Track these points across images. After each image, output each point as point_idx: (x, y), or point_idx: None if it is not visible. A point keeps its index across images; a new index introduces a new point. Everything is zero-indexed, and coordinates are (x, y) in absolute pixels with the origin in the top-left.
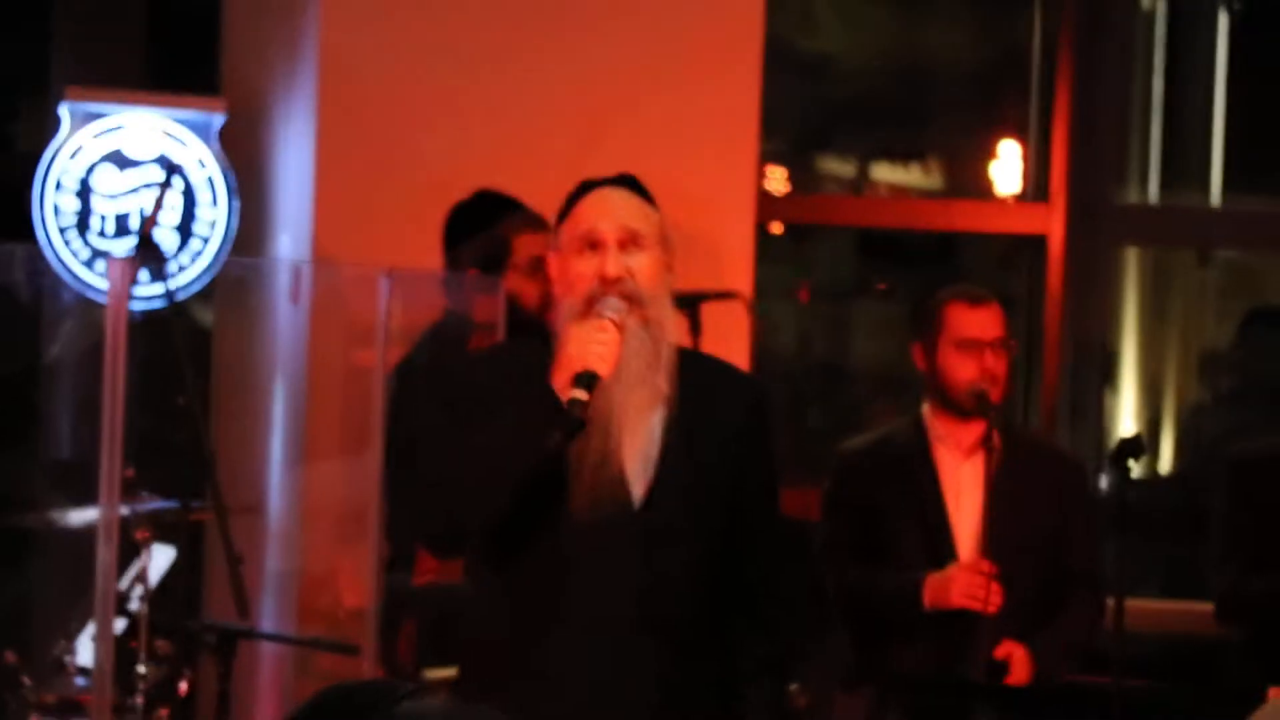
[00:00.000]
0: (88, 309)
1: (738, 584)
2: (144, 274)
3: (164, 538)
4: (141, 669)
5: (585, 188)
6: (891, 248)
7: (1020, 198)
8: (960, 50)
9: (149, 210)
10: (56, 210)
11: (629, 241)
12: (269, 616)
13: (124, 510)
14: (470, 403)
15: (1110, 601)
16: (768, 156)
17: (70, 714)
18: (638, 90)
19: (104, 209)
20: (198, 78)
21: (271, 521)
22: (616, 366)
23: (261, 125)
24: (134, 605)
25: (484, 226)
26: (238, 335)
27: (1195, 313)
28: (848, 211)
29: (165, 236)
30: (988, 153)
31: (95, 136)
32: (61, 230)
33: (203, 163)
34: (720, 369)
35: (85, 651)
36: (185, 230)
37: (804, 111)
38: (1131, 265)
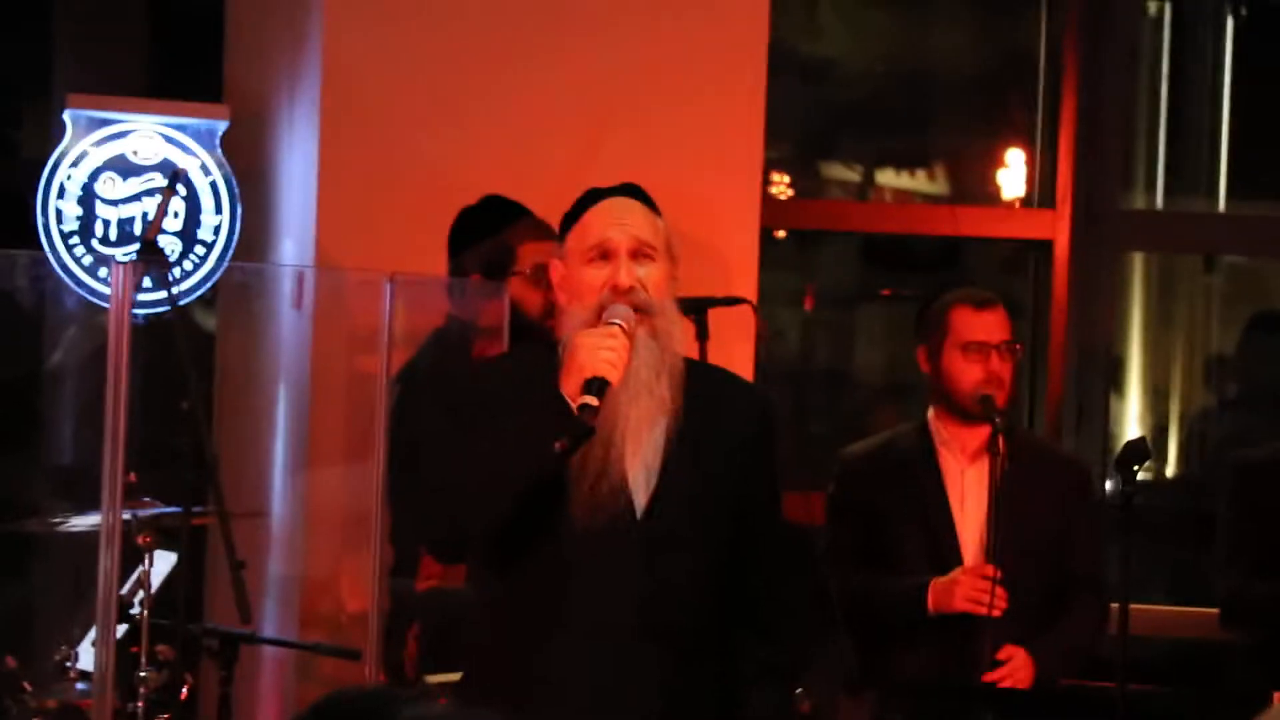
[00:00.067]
0: (91, 314)
1: (740, 592)
2: (147, 280)
3: (166, 543)
4: (143, 674)
5: (593, 196)
6: (896, 253)
7: (1025, 203)
8: (965, 55)
9: (152, 216)
10: (59, 216)
11: (640, 252)
12: (271, 621)
13: (126, 515)
14: (475, 408)
15: (1115, 606)
16: (772, 162)
17: (71, 719)
18: (641, 96)
19: (107, 215)
20: (200, 83)
21: (274, 526)
22: (625, 376)
23: (264, 131)
24: (135, 610)
25: (490, 232)
26: (241, 341)
27: (1201, 318)
28: (852, 217)
29: (168, 242)
30: (993, 158)
31: (98, 143)
32: (64, 236)
33: (206, 168)
34: (726, 380)
35: (86, 657)
36: (188, 236)
37: (808, 117)
38: (1137, 270)
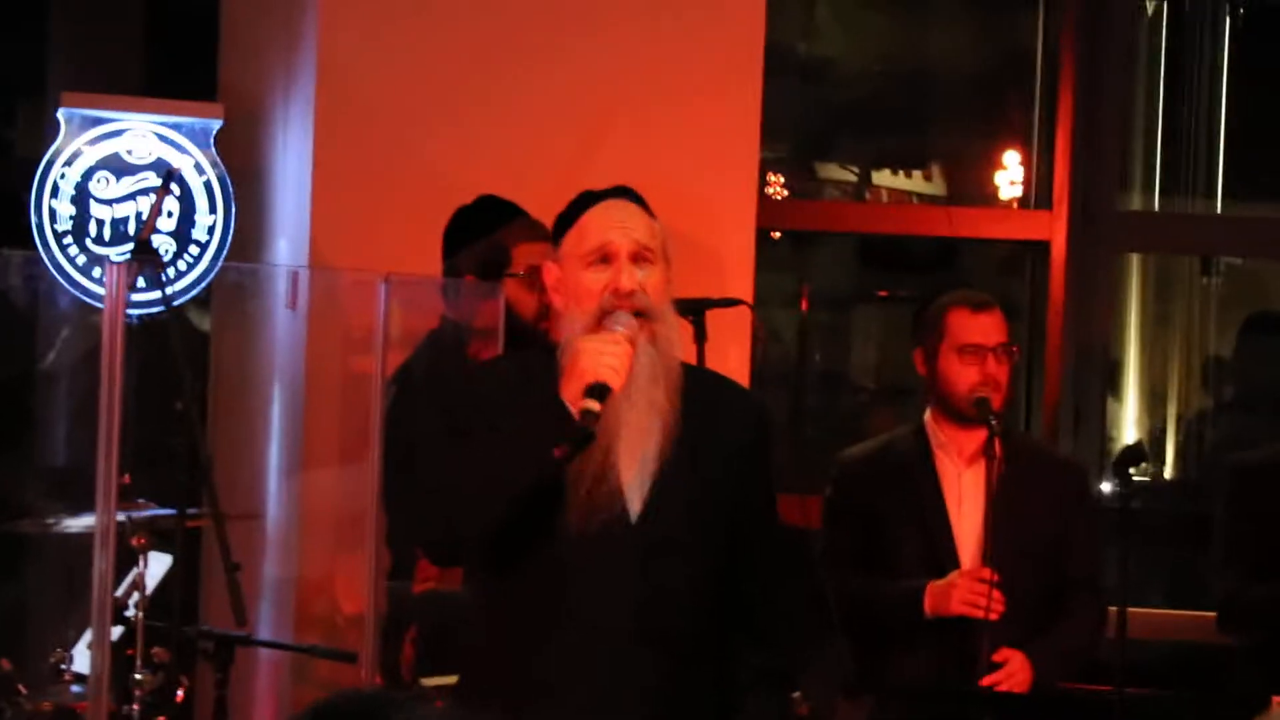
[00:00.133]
0: (85, 314)
1: (736, 596)
2: (141, 279)
3: (161, 544)
4: (138, 676)
5: (587, 199)
6: (893, 254)
7: (1022, 204)
8: (962, 55)
9: (146, 215)
10: (54, 215)
11: (640, 255)
12: (266, 624)
13: (121, 517)
14: (471, 411)
15: (1113, 609)
16: (768, 162)
17: None
18: (638, 96)
19: (101, 214)
20: (195, 83)
21: (269, 528)
22: (626, 382)
23: (259, 130)
24: (130, 612)
25: (484, 232)
26: (235, 341)
27: (1198, 319)
28: (849, 218)
29: (163, 242)
30: (990, 159)
31: (92, 142)
32: (59, 235)
33: (200, 168)
34: (721, 385)
35: (81, 659)
36: (183, 236)
37: (805, 117)
38: (1134, 272)
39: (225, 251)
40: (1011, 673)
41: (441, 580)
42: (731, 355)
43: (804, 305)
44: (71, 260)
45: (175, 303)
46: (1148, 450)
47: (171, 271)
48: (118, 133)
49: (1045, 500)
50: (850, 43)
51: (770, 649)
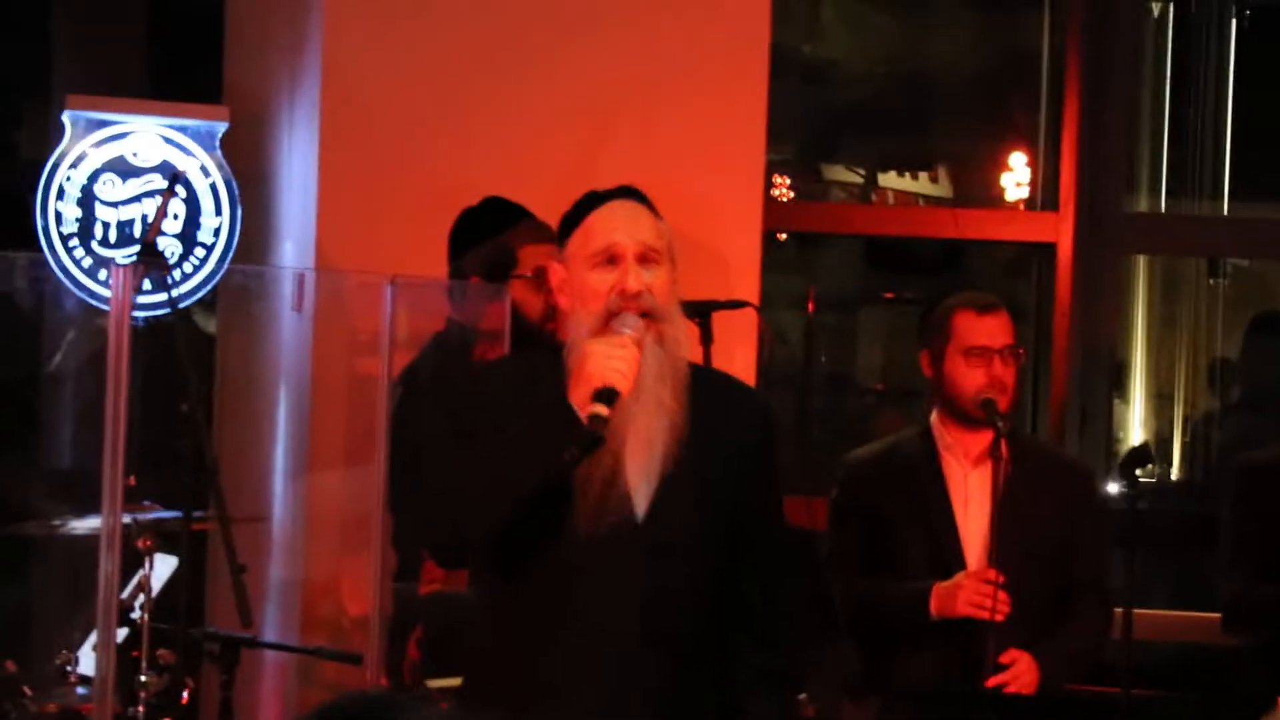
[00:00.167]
0: (90, 317)
1: (742, 597)
2: (147, 282)
3: (166, 547)
4: (143, 678)
5: (593, 200)
6: (899, 256)
7: (1028, 205)
8: (968, 57)
9: (152, 218)
10: (59, 218)
11: (646, 256)
12: (272, 626)
13: (126, 519)
14: (477, 412)
15: (1119, 610)
16: (774, 164)
17: None
18: (643, 98)
19: (107, 217)
20: (200, 85)
21: (275, 530)
22: (635, 384)
23: (264, 133)
24: (136, 614)
25: (490, 234)
26: (241, 343)
27: (1204, 321)
28: (854, 220)
29: (168, 244)
30: (996, 160)
31: (98, 144)
32: (64, 238)
33: (206, 170)
34: (728, 385)
35: (87, 661)
36: (188, 238)
37: (810, 119)
38: (1140, 273)
39: (231, 254)
40: (1019, 674)
41: (447, 582)
42: (737, 357)
43: (810, 307)
44: (77, 263)
45: (181, 305)
46: (1154, 452)
47: (177, 274)
48: (123, 135)
49: (1051, 502)
50: (856, 44)
51: (774, 650)
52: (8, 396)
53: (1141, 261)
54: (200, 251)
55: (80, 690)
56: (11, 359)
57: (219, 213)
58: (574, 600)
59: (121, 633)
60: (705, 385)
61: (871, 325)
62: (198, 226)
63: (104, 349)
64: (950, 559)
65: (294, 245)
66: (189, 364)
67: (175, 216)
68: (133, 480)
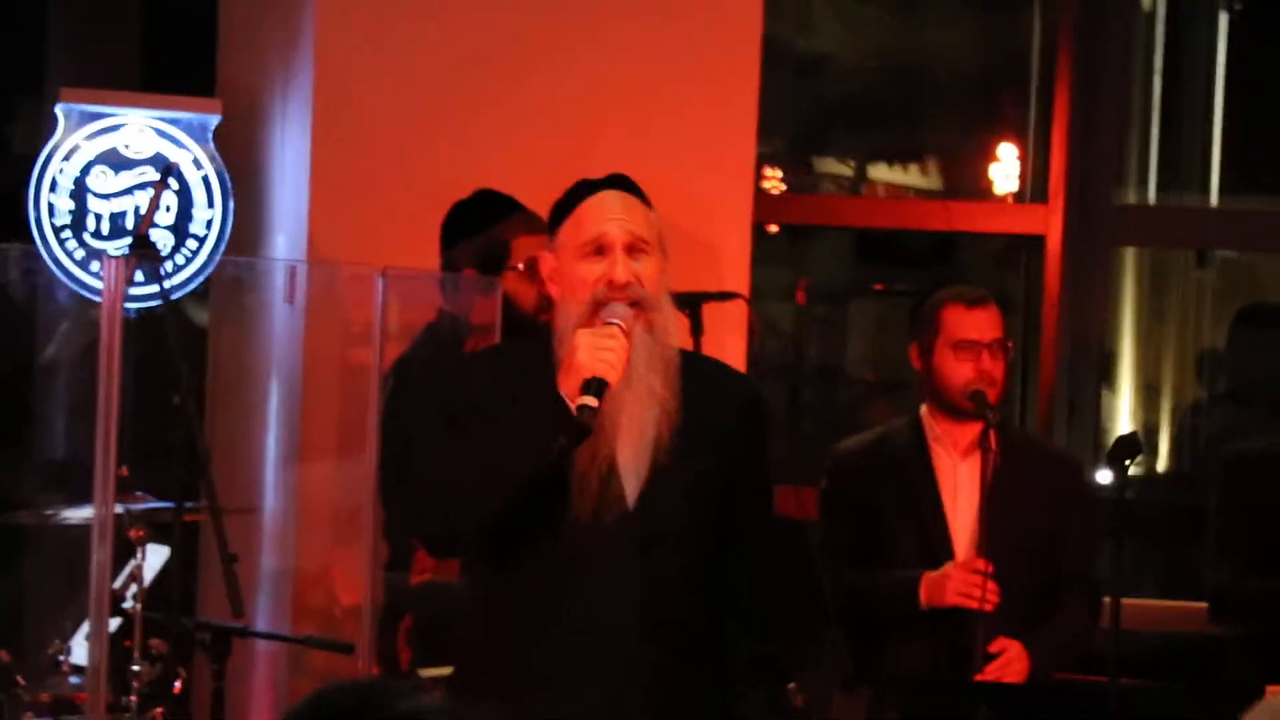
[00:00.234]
0: (83, 309)
1: (733, 586)
2: (139, 274)
3: (158, 537)
4: (136, 668)
5: (583, 189)
6: (889, 248)
7: (1018, 198)
8: (958, 50)
9: (144, 210)
10: (52, 210)
11: (635, 246)
12: (264, 615)
13: (119, 509)
14: (467, 404)
15: (1107, 600)
16: (764, 157)
17: (64, 713)
18: (635, 90)
19: (99, 209)
20: (193, 78)
21: (266, 520)
22: (625, 373)
23: (257, 126)
24: (128, 604)
25: (482, 227)
26: (233, 335)
27: (1193, 313)
28: (845, 212)
29: (160, 236)
30: (986, 153)
31: (90, 137)
32: (57, 230)
33: (198, 163)
34: (716, 371)
35: (79, 650)
36: (181, 230)
37: (801, 112)
38: (1129, 265)
39: (223, 246)
40: (1010, 660)
41: (438, 571)
42: (728, 348)
43: (801, 299)
44: (70, 254)
45: (173, 297)
46: (1142, 442)
47: (169, 266)
48: (116, 127)
49: (1040, 494)
50: (847, 37)
51: (765, 640)
52: (1, 388)
53: (1130, 253)
54: (192, 243)
55: (73, 679)
56: (4, 350)
57: (211, 205)
58: (566, 590)
59: (114, 622)
60: (695, 372)
61: (862, 317)
62: (190, 219)
63: (96, 340)
64: (939, 550)
65: (286, 237)
66: (181, 355)
67: (168, 209)
68: (125, 471)
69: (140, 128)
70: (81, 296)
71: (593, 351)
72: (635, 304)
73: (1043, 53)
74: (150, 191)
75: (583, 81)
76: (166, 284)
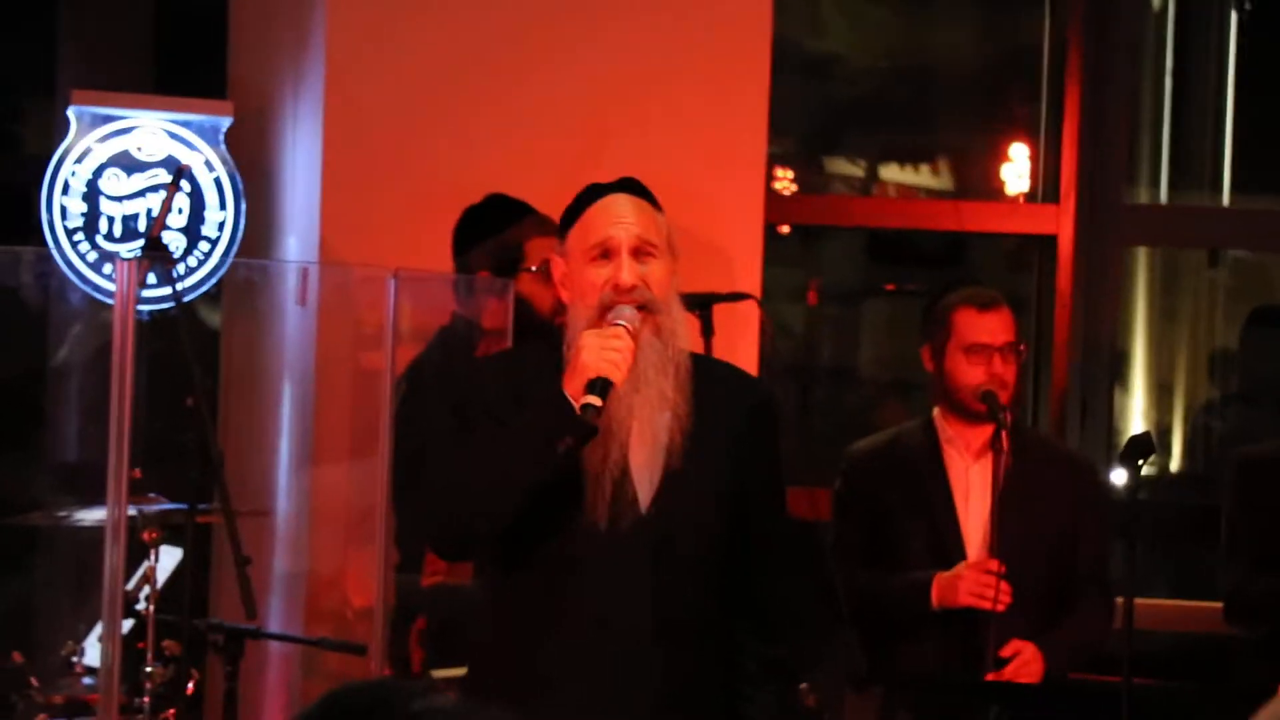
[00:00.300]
0: (95, 311)
1: (745, 587)
2: (151, 276)
3: (171, 539)
4: (149, 669)
5: (592, 193)
6: (900, 249)
7: (1030, 198)
8: (969, 50)
9: (156, 212)
10: (64, 212)
11: (641, 250)
12: (276, 617)
13: (132, 511)
14: (479, 408)
15: (1120, 600)
16: (775, 157)
17: (77, 714)
18: (645, 92)
19: (111, 211)
20: (205, 81)
21: (279, 522)
22: (630, 374)
23: (269, 127)
24: (141, 606)
25: (495, 231)
26: (245, 337)
27: (1205, 313)
28: (856, 212)
29: (173, 238)
30: (997, 153)
31: (102, 139)
32: (69, 232)
33: (210, 165)
34: (728, 373)
35: (92, 652)
36: (193, 232)
37: (812, 112)
38: (1141, 265)
39: (235, 248)
40: (1025, 662)
41: (450, 574)
42: (739, 349)
43: (812, 299)
44: (82, 257)
45: (186, 299)
46: (1154, 443)
47: (182, 268)
48: (127, 130)
49: (1053, 495)
50: (857, 38)
51: (777, 641)
52: (13, 390)
53: (1142, 253)
54: (204, 245)
55: (86, 681)
56: (17, 353)
57: (223, 207)
58: (579, 593)
59: (127, 624)
60: (708, 375)
61: (873, 317)
62: (202, 221)
63: (109, 343)
64: (951, 551)
65: (298, 239)
66: (193, 357)
67: (180, 211)
68: (138, 473)
69: (152, 130)
70: (94, 299)
71: (597, 352)
72: (642, 307)
73: (1053, 52)
74: (162, 194)
75: (593, 83)
76: (179, 286)
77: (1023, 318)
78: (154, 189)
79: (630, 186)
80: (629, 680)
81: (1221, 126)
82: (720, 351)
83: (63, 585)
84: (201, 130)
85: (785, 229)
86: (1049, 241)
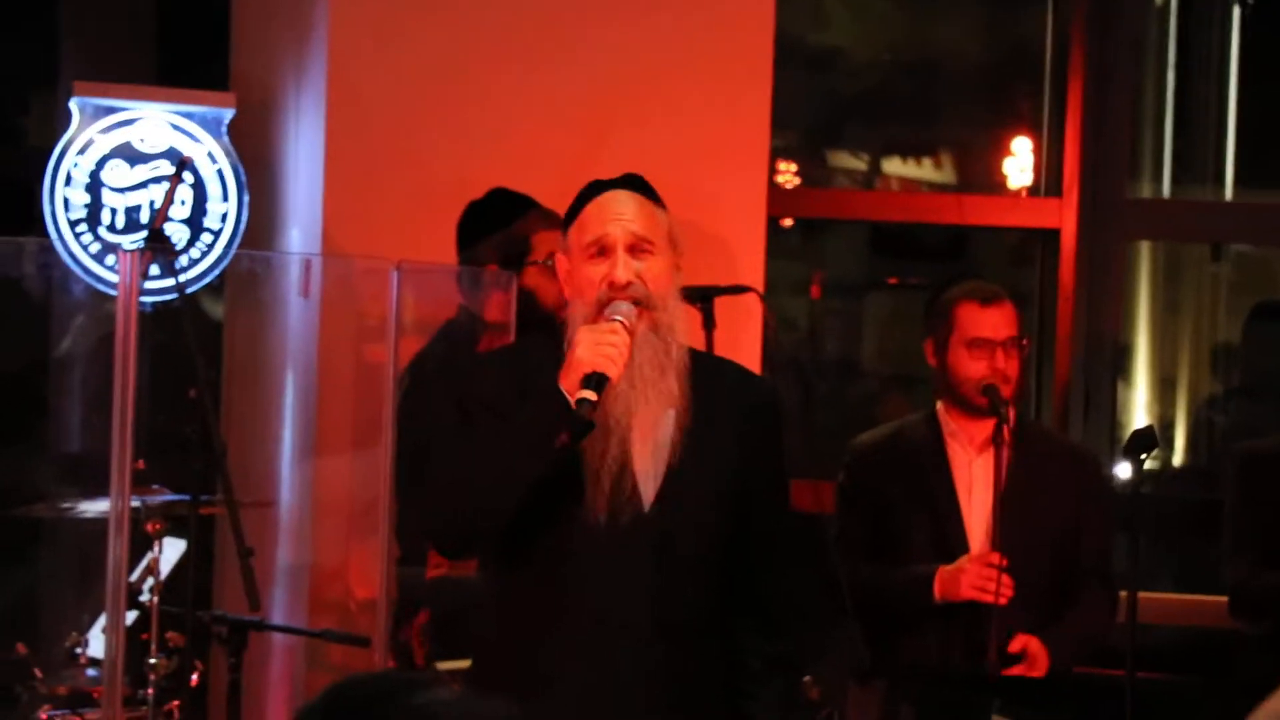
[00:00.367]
0: (98, 302)
1: (748, 582)
2: (154, 267)
3: (175, 530)
4: (152, 661)
5: (593, 189)
6: (903, 242)
7: (1032, 192)
8: (971, 44)
9: (159, 204)
10: (67, 204)
11: (637, 247)
12: (280, 609)
13: (135, 502)
14: (481, 403)
15: (1123, 594)
16: (778, 151)
17: (81, 706)
18: (648, 85)
19: (114, 203)
20: (207, 72)
21: (282, 514)
22: (627, 370)
23: (271, 119)
24: (145, 597)
25: (502, 225)
26: (248, 328)
27: (1207, 307)
28: (859, 206)
29: (175, 230)
30: (999, 147)
31: (105, 131)
32: (72, 224)
33: (213, 157)
34: (731, 370)
35: (96, 643)
36: (195, 224)
37: (814, 106)
38: (1144, 259)
39: (238, 239)
40: (1033, 660)
41: (454, 566)
42: (741, 343)
43: (815, 293)
44: (85, 248)
45: (188, 290)
46: (1158, 436)
47: (184, 259)
48: (130, 121)
49: (1057, 488)
50: (860, 31)
51: (780, 636)
52: (16, 381)
53: (1145, 247)
54: (207, 237)
55: (90, 672)
56: (20, 344)
57: (226, 199)
58: (579, 590)
59: (130, 615)
60: (707, 370)
61: (876, 311)
62: (205, 212)
63: (112, 334)
64: (954, 545)
65: (300, 231)
66: (196, 349)
67: (182, 202)
68: (141, 464)
69: (155, 122)
70: (97, 290)
71: (592, 347)
72: (639, 303)
73: (1056, 46)
74: (165, 185)
75: (596, 77)
76: (181, 278)
77: (1025, 312)
78: (157, 181)
79: (631, 183)
80: (630, 677)
81: (1224, 120)
82: (722, 345)
83: (66, 577)
84: (204, 122)
85: (788, 222)
86: (1052, 235)
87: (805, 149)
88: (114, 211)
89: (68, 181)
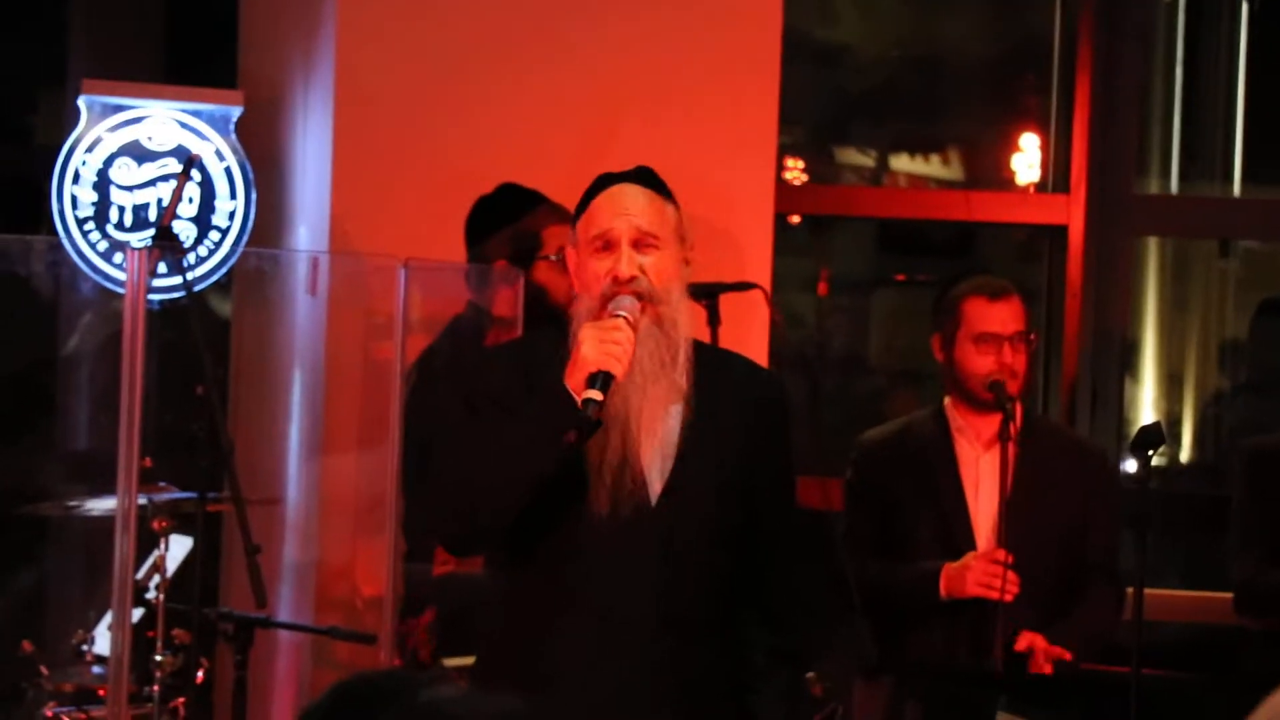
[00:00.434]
0: (106, 300)
1: (754, 577)
2: (162, 265)
3: (182, 527)
4: (158, 658)
5: (602, 182)
6: (910, 239)
7: (1040, 188)
8: (979, 40)
9: (167, 202)
10: (75, 202)
11: (642, 241)
12: (286, 606)
13: (142, 500)
14: (487, 398)
15: (1130, 590)
16: (786, 147)
17: (87, 703)
18: (656, 82)
19: (122, 200)
20: (215, 70)
21: (289, 511)
22: (632, 365)
23: (279, 117)
24: (151, 594)
25: (512, 219)
26: (256, 326)
27: (1215, 303)
28: (866, 202)
29: (183, 228)
30: (1007, 143)
31: (113, 129)
32: (80, 222)
33: (221, 155)
34: (738, 364)
35: (102, 641)
36: (203, 222)
37: (822, 102)
38: (1152, 255)
39: (245, 237)
40: (1041, 661)
41: (461, 563)
42: (747, 339)
43: (822, 289)
44: (93, 246)
45: (196, 288)
46: (1165, 433)
47: (192, 257)
48: (138, 119)
49: (1065, 483)
50: (867, 27)
51: (786, 631)
52: (24, 379)
53: (1153, 243)
54: (215, 235)
55: (96, 669)
56: (28, 342)
57: (234, 196)
58: (585, 585)
59: (137, 613)
60: (714, 363)
61: (883, 307)
62: (212, 210)
63: (119, 332)
64: (961, 541)
65: (308, 229)
66: (204, 346)
67: (190, 200)
68: (148, 462)
69: (163, 119)
70: (104, 288)
71: (597, 345)
72: (643, 298)
73: (1064, 42)
74: (173, 183)
75: (604, 73)
76: (189, 275)
77: (1033, 308)
78: (164, 178)
79: (641, 176)
80: (636, 672)
81: (1232, 116)
82: (728, 342)
83: (73, 574)
84: (212, 120)
85: (796, 219)
86: (1059, 232)
87: (813, 145)
88: (122, 209)
89: (76, 179)
